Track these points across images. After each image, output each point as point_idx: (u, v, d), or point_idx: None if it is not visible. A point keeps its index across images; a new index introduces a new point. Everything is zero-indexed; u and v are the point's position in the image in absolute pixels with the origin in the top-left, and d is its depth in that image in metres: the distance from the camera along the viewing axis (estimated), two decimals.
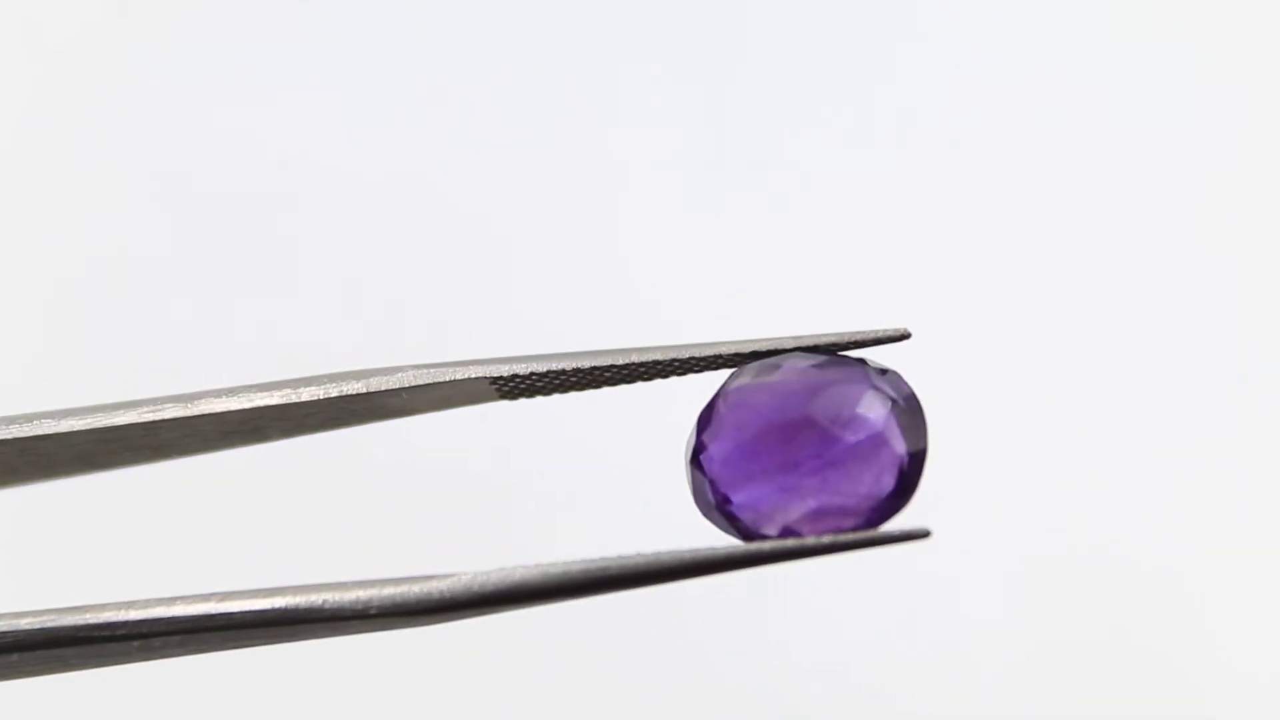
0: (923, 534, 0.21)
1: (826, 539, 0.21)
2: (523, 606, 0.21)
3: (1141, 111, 0.45)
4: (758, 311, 0.43)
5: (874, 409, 0.21)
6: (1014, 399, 0.44)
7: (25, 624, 0.21)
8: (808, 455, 0.21)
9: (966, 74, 0.46)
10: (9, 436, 0.22)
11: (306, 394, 0.22)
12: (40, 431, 0.22)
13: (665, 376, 0.23)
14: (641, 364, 0.22)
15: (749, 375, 0.22)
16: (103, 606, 0.21)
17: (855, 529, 0.21)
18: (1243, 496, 0.43)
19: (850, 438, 0.21)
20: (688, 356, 0.22)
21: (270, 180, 0.46)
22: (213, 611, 0.21)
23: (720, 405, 0.21)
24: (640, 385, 0.23)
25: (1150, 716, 0.42)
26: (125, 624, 0.21)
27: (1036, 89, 0.46)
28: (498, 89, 0.46)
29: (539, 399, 0.23)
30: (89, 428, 0.22)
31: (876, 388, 0.21)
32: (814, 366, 0.21)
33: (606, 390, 0.23)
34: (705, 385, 0.22)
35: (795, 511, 0.21)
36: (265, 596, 0.21)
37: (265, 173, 0.46)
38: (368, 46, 0.46)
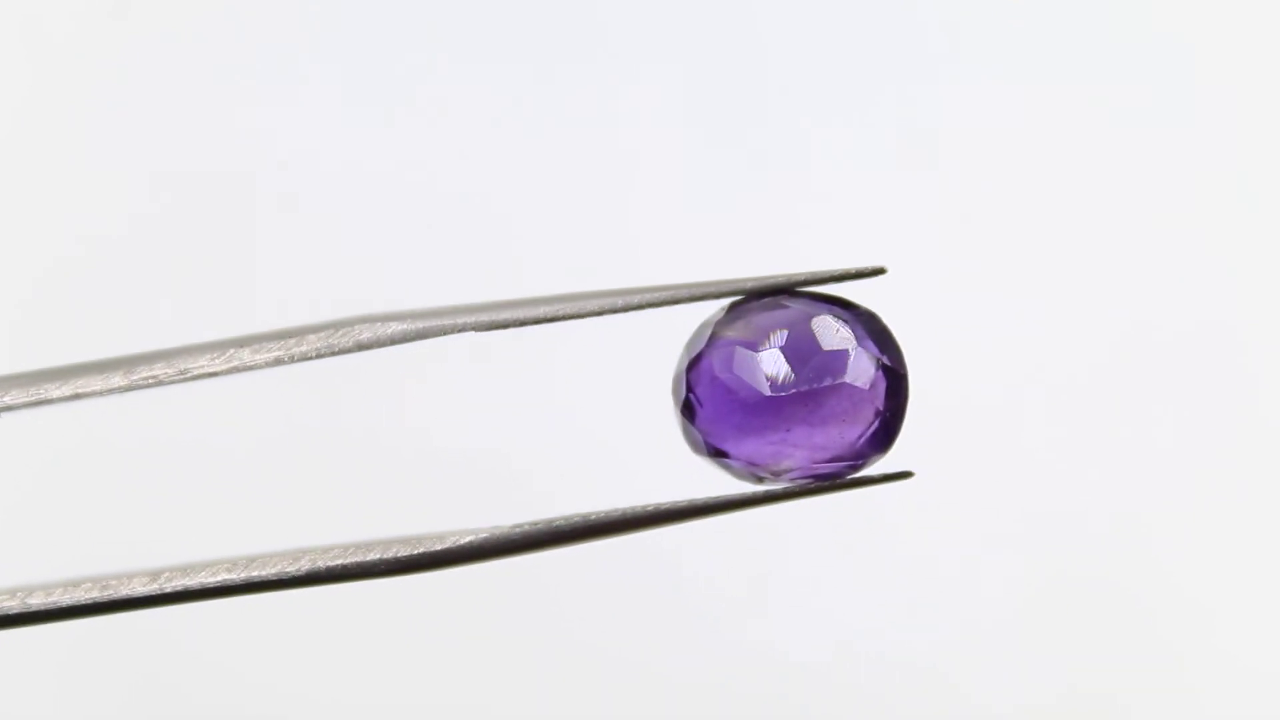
0: (905, 475, 0.22)
1: (814, 484, 0.22)
2: (520, 555, 0.22)
3: (1141, 110, 0.43)
4: None
5: (862, 371, 0.22)
6: (1014, 397, 0.44)
7: (50, 600, 0.22)
8: (799, 419, 0.22)
9: (967, 71, 0.45)
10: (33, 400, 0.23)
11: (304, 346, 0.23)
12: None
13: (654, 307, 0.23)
14: (628, 306, 0.23)
15: (738, 329, 0.22)
16: (130, 576, 0.23)
17: (839, 474, 0.22)
18: (1245, 494, 0.44)
19: (841, 403, 0.22)
20: (670, 298, 0.23)
21: (274, 174, 0.45)
22: (236, 581, 0.22)
23: (711, 361, 0.22)
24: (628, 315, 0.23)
25: (1151, 716, 0.43)
26: (149, 597, 0.22)
27: (1036, 87, 0.44)
28: (496, 83, 0.45)
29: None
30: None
31: (862, 346, 0.22)
32: (802, 320, 0.22)
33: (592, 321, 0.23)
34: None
35: (787, 463, 0.22)
36: (291, 560, 0.22)
37: (268, 165, 0.45)
38: (358, 31, 0.45)
